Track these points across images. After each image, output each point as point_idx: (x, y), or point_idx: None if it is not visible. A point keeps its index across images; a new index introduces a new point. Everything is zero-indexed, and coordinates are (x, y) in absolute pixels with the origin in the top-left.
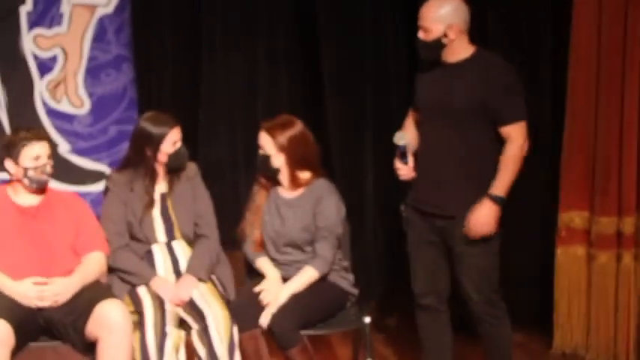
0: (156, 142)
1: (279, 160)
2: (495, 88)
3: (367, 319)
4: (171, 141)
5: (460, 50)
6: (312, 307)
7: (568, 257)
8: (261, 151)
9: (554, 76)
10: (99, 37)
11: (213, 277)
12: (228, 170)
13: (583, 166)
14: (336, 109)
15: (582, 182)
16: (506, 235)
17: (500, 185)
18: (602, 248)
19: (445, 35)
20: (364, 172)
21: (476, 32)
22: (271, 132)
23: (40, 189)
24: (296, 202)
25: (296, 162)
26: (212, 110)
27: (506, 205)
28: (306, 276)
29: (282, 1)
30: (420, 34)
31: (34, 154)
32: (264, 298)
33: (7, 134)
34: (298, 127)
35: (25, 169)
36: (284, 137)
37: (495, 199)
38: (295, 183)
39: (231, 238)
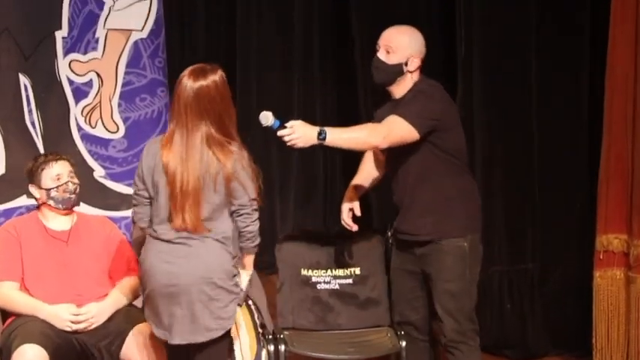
0: None
1: None
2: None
3: (403, 343)
4: None
5: (407, 87)
6: None
7: (606, 280)
8: None
9: (591, 98)
10: (134, 62)
11: (250, 301)
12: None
13: (621, 189)
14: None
15: (620, 204)
16: (543, 257)
17: (336, 134)
18: None
19: (406, 64)
20: None
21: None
22: None
23: (68, 208)
24: None
25: None
26: (245, 132)
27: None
28: None
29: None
30: (381, 55)
31: (54, 175)
32: None
33: (29, 162)
34: None
35: (48, 191)
36: None
37: (321, 133)
38: None
39: (264, 262)
